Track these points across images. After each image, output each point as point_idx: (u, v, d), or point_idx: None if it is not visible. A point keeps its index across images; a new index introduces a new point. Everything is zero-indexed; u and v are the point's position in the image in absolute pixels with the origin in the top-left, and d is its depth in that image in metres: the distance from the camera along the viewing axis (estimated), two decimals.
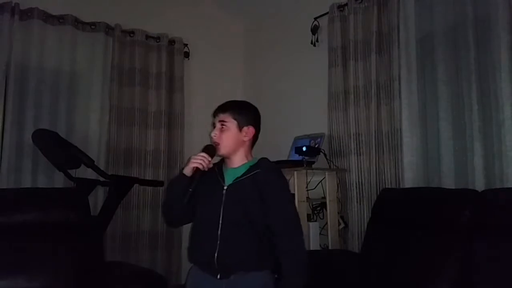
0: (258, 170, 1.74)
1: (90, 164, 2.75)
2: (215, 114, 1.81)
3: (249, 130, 1.79)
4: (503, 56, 2.35)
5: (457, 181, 2.55)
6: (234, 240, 1.68)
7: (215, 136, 1.78)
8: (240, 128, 1.78)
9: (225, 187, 1.74)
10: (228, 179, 1.77)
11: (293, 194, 2.94)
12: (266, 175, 1.73)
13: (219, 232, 1.68)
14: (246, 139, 1.79)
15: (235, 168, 1.79)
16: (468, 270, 2.05)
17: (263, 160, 1.82)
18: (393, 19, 2.92)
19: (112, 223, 2.97)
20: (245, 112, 1.82)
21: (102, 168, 3.03)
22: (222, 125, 1.78)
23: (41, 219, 2.25)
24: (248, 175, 1.74)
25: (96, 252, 2.33)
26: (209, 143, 1.80)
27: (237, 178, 1.74)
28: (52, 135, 2.82)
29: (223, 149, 1.78)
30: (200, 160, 1.72)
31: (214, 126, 1.81)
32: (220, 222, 1.69)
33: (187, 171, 1.74)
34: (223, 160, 1.85)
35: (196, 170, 1.71)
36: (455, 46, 2.63)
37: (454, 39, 2.64)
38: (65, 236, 2.26)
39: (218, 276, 1.68)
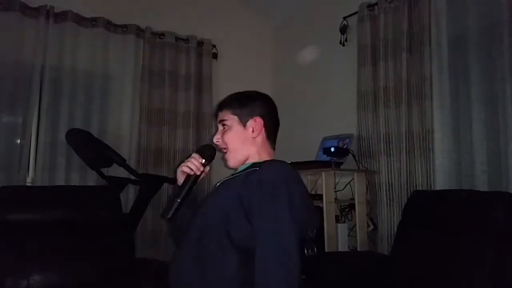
0: (254, 168, 1.32)
1: (122, 163, 2.80)
2: (215, 115, 1.52)
3: (256, 123, 1.44)
4: None
5: (490, 184, 2.48)
6: (187, 260, 1.28)
7: (218, 141, 1.47)
8: (243, 123, 1.44)
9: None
10: None
11: (320, 195, 2.93)
12: (258, 176, 1.26)
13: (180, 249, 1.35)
14: (255, 135, 1.44)
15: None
16: (502, 275, 2.00)
17: (271, 160, 1.40)
18: (424, 18, 2.88)
19: (142, 221, 3.02)
20: (247, 103, 1.47)
21: (133, 167, 3.09)
22: (223, 125, 1.46)
23: (75, 216, 2.32)
24: (238, 174, 1.38)
25: (127, 249, 2.38)
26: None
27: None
28: (86, 134, 2.89)
29: (233, 156, 1.44)
30: (188, 163, 1.39)
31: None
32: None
33: (179, 178, 1.43)
34: None
35: (187, 176, 1.39)
36: (489, 46, 2.57)
37: (488, 39, 2.58)
38: (98, 233, 2.31)
39: None
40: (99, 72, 3.44)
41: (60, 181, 3.15)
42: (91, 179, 3.23)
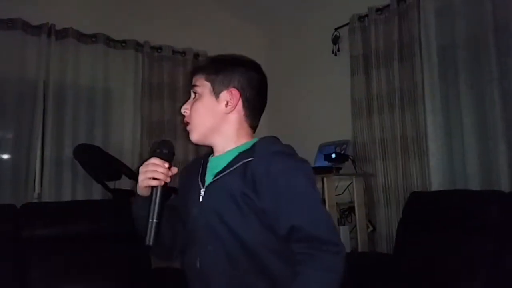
0: (250, 158, 1.09)
1: (131, 175, 2.88)
2: (190, 81, 1.22)
3: (232, 95, 1.15)
4: None
5: (482, 184, 2.64)
6: (214, 275, 1.10)
7: (185, 112, 1.19)
8: (216, 94, 1.15)
9: (202, 190, 1.16)
10: (209, 176, 1.17)
11: (323, 200, 3.05)
12: (266, 164, 1.06)
13: (198, 263, 1.12)
14: (228, 110, 1.15)
15: (219, 156, 1.18)
16: (499, 270, 2.15)
17: (264, 140, 1.16)
18: (414, 29, 3.02)
19: None
20: (225, 68, 1.18)
21: None
22: (194, 92, 1.18)
23: (97, 230, 2.41)
24: (233, 167, 1.10)
25: (145, 260, 2.45)
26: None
27: (218, 173, 1.13)
28: (96, 149, 2.96)
29: (195, 132, 1.17)
30: (154, 174, 1.10)
31: None
32: (198, 245, 1.13)
33: (142, 190, 1.14)
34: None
35: (152, 188, 1.11)
36: (476, 53, 2.73)
37: (475, 47, 2.74)
38: (119, 246, 2.38)
39: None
40: (100, 86, 3.52)
41: (67, 195, 3.21)
42: (97, 192, 3.29)
